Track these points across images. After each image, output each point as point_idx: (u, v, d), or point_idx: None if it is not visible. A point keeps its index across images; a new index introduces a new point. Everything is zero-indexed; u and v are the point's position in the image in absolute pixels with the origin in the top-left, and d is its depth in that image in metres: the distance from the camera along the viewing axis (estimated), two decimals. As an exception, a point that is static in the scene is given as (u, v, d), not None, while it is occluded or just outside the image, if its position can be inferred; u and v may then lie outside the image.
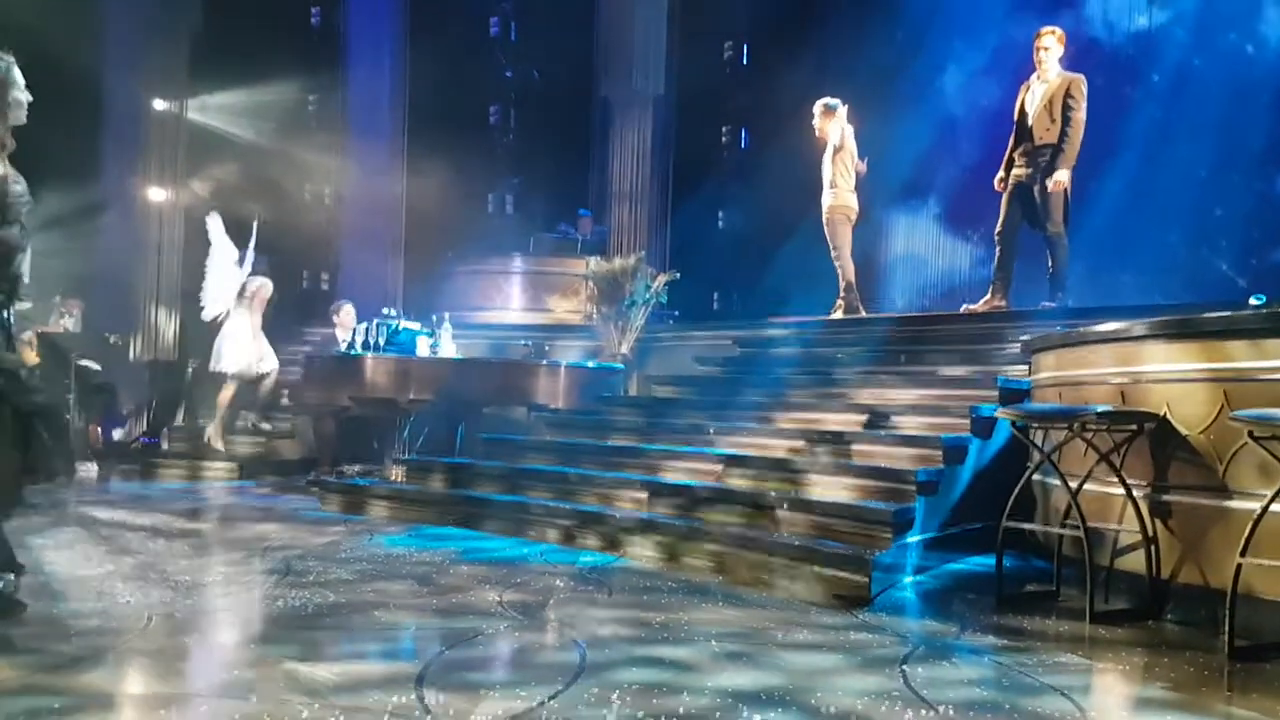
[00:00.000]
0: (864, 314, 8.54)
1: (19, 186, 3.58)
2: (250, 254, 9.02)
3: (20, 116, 3.70)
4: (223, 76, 11.54)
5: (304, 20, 12.77)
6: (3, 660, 3.07)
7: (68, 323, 10.44)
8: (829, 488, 5.23)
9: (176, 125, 11.17)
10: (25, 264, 3.68)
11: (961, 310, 7.64)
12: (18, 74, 3.69)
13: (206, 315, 9.08)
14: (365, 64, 12.02)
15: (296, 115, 12.49)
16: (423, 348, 8.57)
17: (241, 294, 9.00)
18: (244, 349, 9.04)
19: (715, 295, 12.62)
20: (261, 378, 9.22)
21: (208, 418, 10.24)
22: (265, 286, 9.24)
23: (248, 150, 11.97)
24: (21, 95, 3.70)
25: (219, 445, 9.14)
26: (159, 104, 11.03)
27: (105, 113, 11.19)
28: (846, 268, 8.45)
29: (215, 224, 9.13)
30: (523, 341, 10.01)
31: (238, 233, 9.15)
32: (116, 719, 2.72)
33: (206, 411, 10.34)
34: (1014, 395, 5.53)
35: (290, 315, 9.67)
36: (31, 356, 10.00)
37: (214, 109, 11.78)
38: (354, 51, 12.10)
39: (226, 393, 9.10)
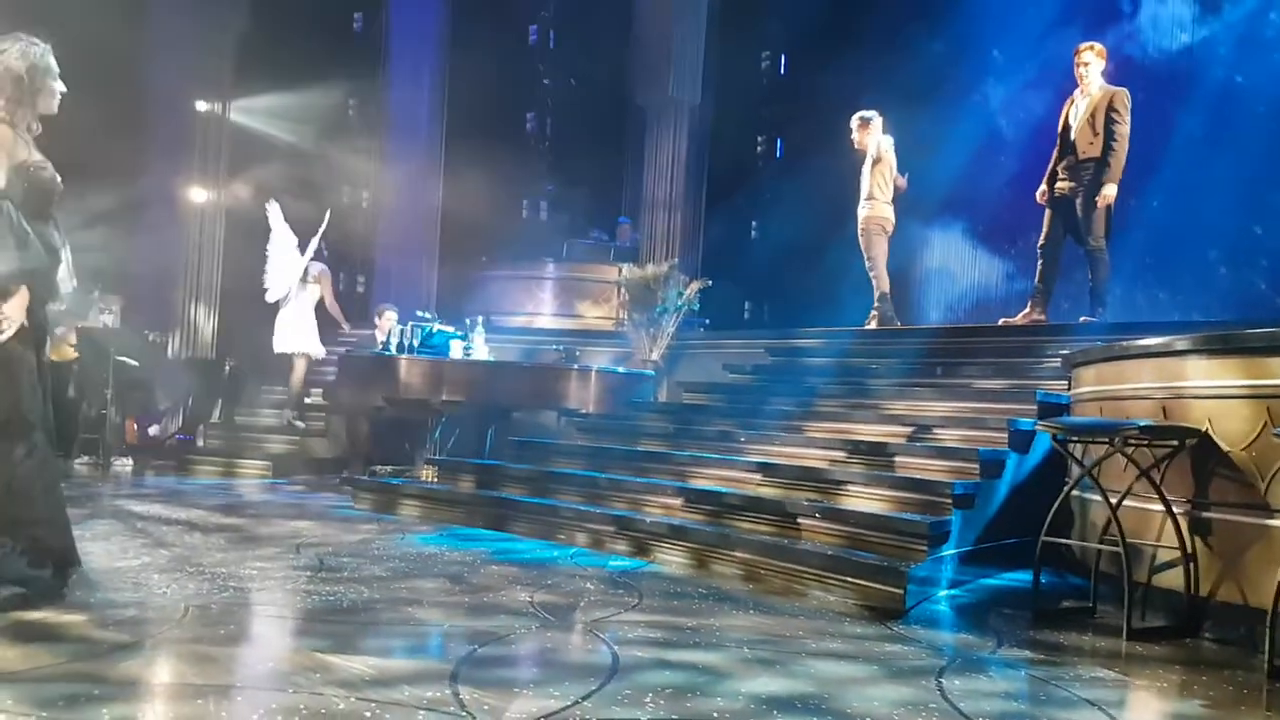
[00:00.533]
0: (899, 325, 8.49)
1: (46, 172, 3.57)
2: (316, 242, 9.37)
3: (52, 106, 3.68)
4: (266, 79, 11.68)
5: (346, 25, 12.91)
6: (42, 648, 3.11)
7: (107, 319, 10.59)
8: (862, 498, 5.20)
9: (220, 126, 11.31)
10: (65, 265, 3.68)
11: (1000, 323, 7.58)
12: (53, 62, 3.67)
13: (270, 298, 9.54)
14: (406, 70, 12.13)
15: (337, 119, 12.62)
16: (456, 350, 8.63)
17: (304, 278, 9.33)
18: (305, 330, 9.47)
19: (747, 304, 12.61)
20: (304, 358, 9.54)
21: (246, 414, 10.38)
22: (326, 273, 9.59)
23: (289, 152, 12.11)
24: (56, 84, 3.68)
25: (300, 424, 9.58)
26: (202, 105, 11.18)
27: (151, 111, 11.35)
28: (881, 279, 8.41)
29: (275, 211, 9.53)
30: (554, 346, 10.04)
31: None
32: (155, 707, 2.75)
33: (243, 410, 10.47)
34: (1053, 409, 5.47)
35: (326, 316, 9.81)
36: (70, 352, 10.17)
37: (256, 111, 11.93)
38: (395, 57, 12.22)
39: (298, 372, 9.55)
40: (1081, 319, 7.11)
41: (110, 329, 10.40)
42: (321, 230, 9.44)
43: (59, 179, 3.61)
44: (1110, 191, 6.95)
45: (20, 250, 3.37)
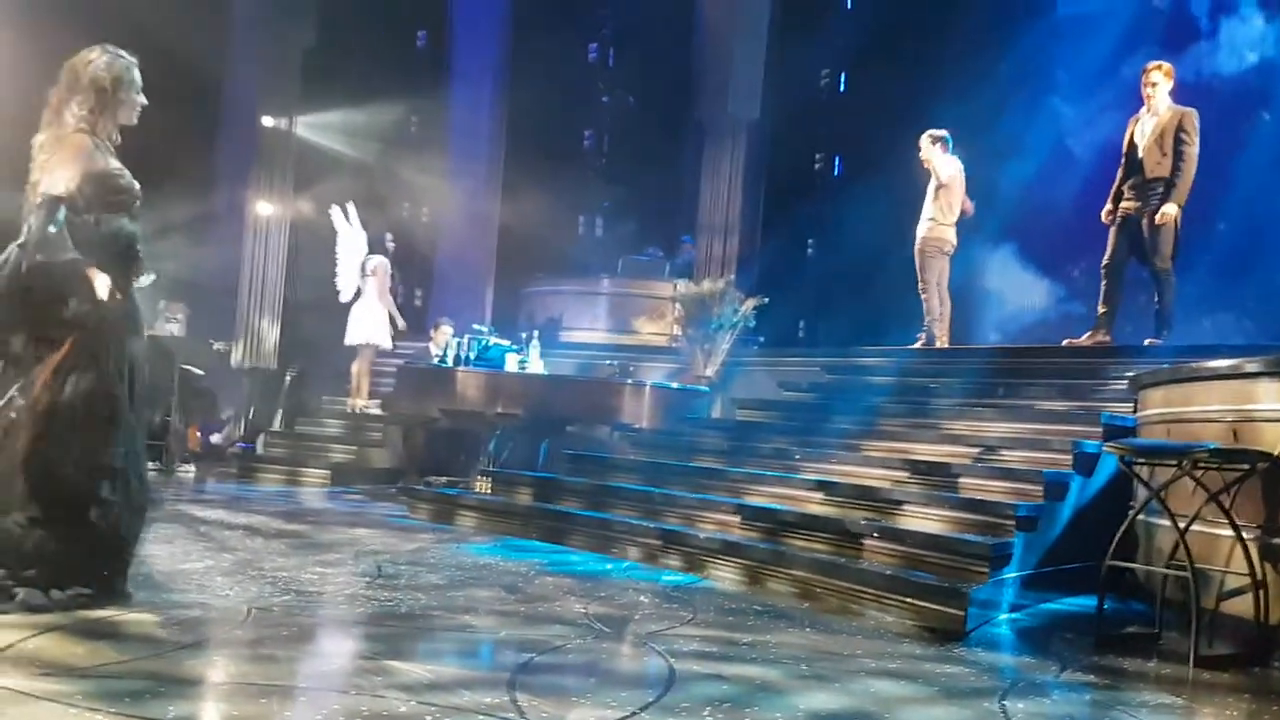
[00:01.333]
0: (952, 345, 8.38)
1: (124, 180, 3.66)
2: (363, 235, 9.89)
3: (132, 118, 3.77)
4: (331, 95, 11.93)
5: (410, 43, 13.14)
6: (109, 646, 3.18)
7: (173, 327, 10.84)
8: (921, 518, 5.14)
9: (286, 141, 11.56)
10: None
11: (1064, 344, 7.45)
12: (137, 75, 3.76)
13: (344, 298, 9.88)
14: (467, 87, 12.31)
15: (399, 135, 12.84)
16: (511, 364, 8.70)
17: (363, 271, 9.60)
18: (366, 322, 9.74)
19: (801, 323, 12.53)
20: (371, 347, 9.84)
21: (307, 423, 10.56)
22: (383, 263, 9.82)
23: (352, 167, 12.34)
24: (138, 97, 3.76)
25: (373, 409, 9.83)
26: (269, 120, 11.44)
27: (221, 126, 11.65)
28: (932, 301, 8.28)
29: (340, 214, 9.80)
30: (608, 361, 10.08)
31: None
32: (218, 705, 2.80)
33: (304, 419, 10.65)
34: (1118, 432, 5.35)
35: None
36: (138, 360, 10.43)
37: (322, 126, 12.18)
38: (457, 74, 12.41)
39: (359, 363, 9.86)
40: (1147, 341, 6.97)
41: (176, 337, 10.64)
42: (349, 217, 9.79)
43: (137, 186, 3.70)
44: (1170, 210, 6.81)
45: (73, 247, 3.44)
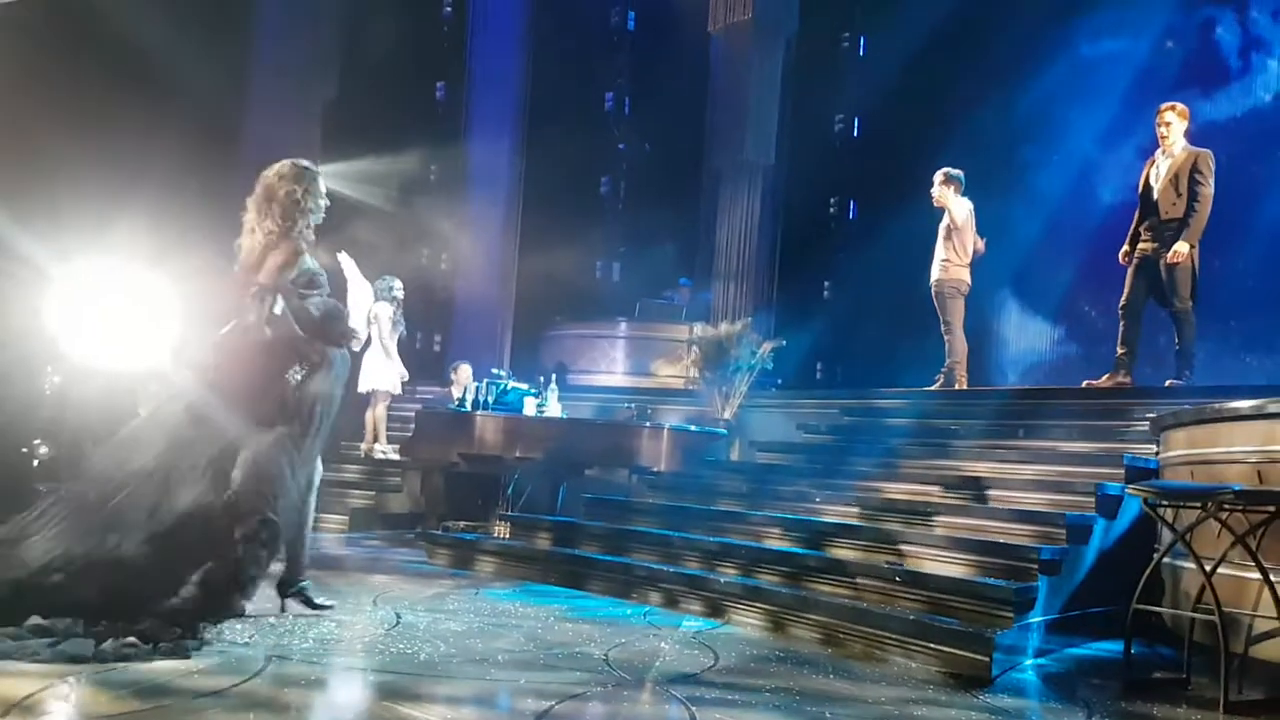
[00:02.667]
0: (969, 387, 8.35)
1: (321, 277, 4.45)
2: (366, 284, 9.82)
3: (320, 218, 4.46)
4: (352, 145, 12.09)
5: (429, 94, 13.34)
6: (129, 694, 3.18)
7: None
8: (943, 562, 5.09)
9: (307, 190, 11.71)
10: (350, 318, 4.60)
11: (1083, 385, 7.42)
12: (321, 182, 4.49)
13: (355, 347, 9.69)
14: (486, 136, 12.46)
15: (419, 183, 12.98)
16: (530, 407, 8.71)
17: (369, 320, 9.72)
18: (372, 369, 9.74)
19: (819, 364, 12.52)
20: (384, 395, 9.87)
21: (324, 469, 10.58)
22: (383, 310, 9.87)
23: (373, 214, 12.47)
24: (323, 201, 4.48)
25: (391, 454, 9.80)
26: (291, 169, 11.59)
27: (244, 175, 11.81)
28: (956, 341, 8.29)
29: (347, 262, 9.82)
30: (626, 404, 10.07)
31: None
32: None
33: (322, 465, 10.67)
34: (1141, 473, 5.31)
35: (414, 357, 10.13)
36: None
37: (342, 175, 12.33)
38: (475, 124, 12.56)
39: (373, 410, 9.89)
40: (1168, 382, 6.93)
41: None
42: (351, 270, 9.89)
43: (324, 274, 4.48)
44: (1183, 249, 6.81)
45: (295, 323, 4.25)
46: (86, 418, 10.70)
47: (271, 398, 4.24)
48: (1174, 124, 7.03)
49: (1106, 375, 7.22)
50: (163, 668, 3.50)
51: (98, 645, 3.56)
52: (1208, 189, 6.89)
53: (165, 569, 3.96)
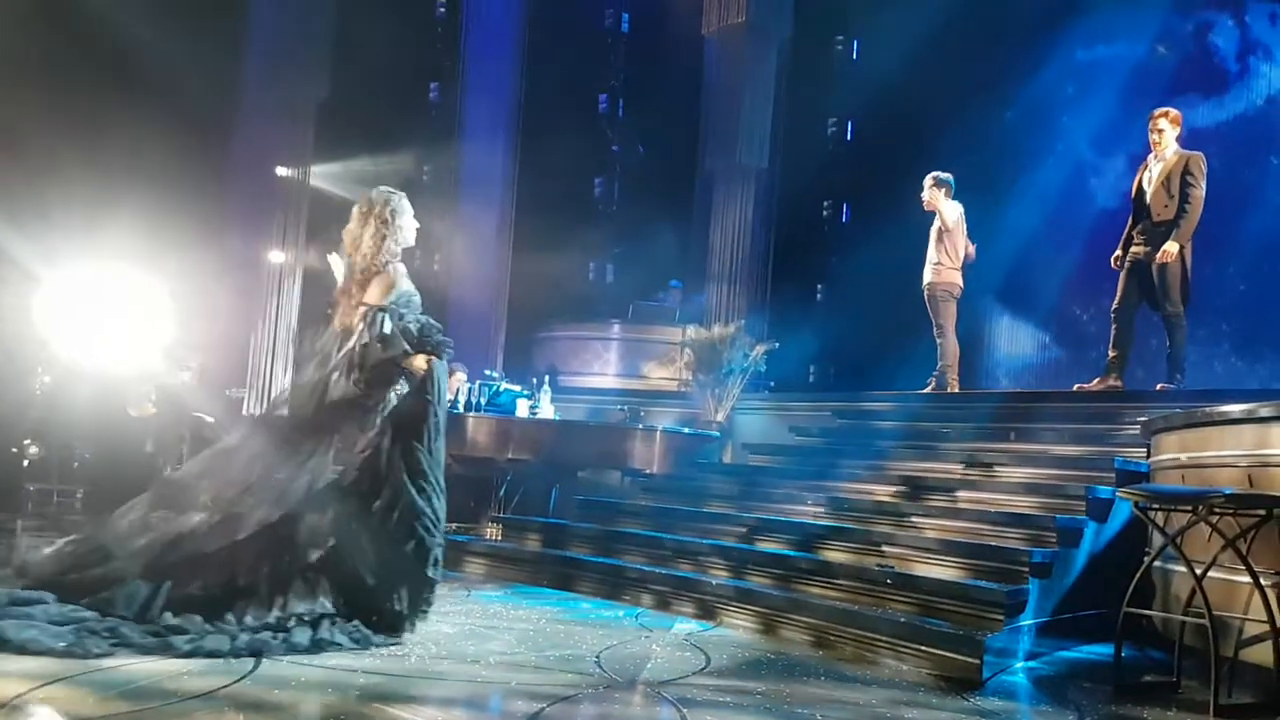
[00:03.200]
0: (961, 390, 8.36)
1: (417, 299, 4.71)
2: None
3: (410, 239, 4.76)
4: (345, 146, 12.08)
5: (423, 95, 13.29)
6: (119, 697, 3.17)
7: (186, 376, 10.87)
8: (935, 565, 5.10)
9: (300, 191, 11.67)
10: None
11: (1074, 389, 7.44)
12: (406, 204, 4.73)
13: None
14: (479, 137, 12.43)
15: (412, 184, 12.94)
16: (522, 409, 8.70)
17: None
18: None
19: (811, 368, 12.53)
20: None
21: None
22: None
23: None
24: (412, 222, 4.74)
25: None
26: (283, 170, 11.57)
27: (236, 177, 11.78)
28: (948, 344, 8.30)
29: (337, 263, 9.72)
30: (619, 406, 10.07)
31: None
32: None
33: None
34: (1132, 477, 5.33)
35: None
36: (149, 408, 10.46)
37: (335, 176, 12.32)
38: (469, 125, 12.53)
39: None
40: (1159, 386, 6.95)
41: (188, 386, 10.67)
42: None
43: (419, 295, 4.76)
44: (1172, 249, 6.83)
45: (392, 339, 4.52)
46: (76, 418, 10.69)
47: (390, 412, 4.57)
48: (1166, 130, 7.06)
49: (1098, 379, 7.24)
50: (148, 669, 3.49)
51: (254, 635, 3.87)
52: (1199, 190, 6.91)
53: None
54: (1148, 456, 5.44)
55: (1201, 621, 3.94)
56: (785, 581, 5.38)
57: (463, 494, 9.06)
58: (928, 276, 8.36)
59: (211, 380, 11.18)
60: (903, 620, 4.56)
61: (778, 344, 9.54)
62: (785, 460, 7.77)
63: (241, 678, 3.48)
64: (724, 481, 7.49)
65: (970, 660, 4.15)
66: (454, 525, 8.35)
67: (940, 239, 8.31)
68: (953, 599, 4.66)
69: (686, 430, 8.82)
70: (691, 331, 10.09)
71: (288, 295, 11.48)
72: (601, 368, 11.51)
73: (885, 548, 5.38)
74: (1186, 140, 7.24)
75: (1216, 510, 3.95)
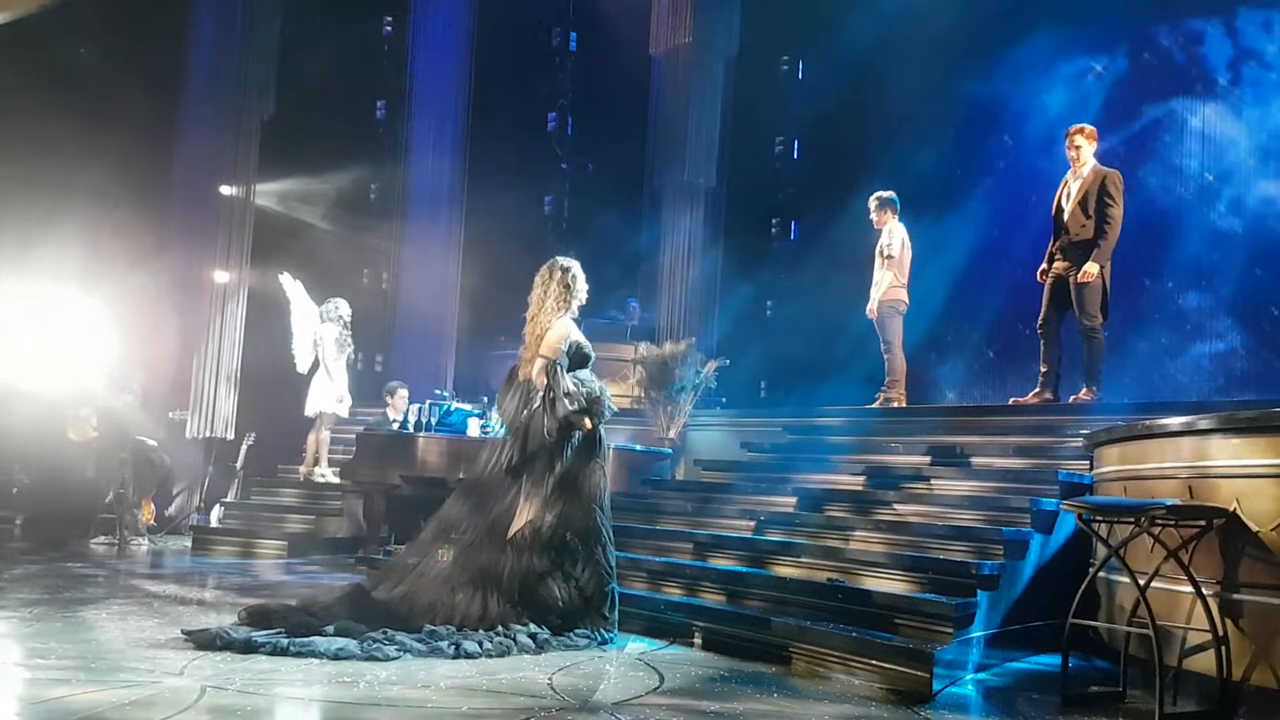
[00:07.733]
0: (908, 405, 8.47)
1: (587, 349, 5.33)
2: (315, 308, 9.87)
3: (584, 299, 5.41)
4: (290, 164, 11.96)
5: (369, 113, 13.22)
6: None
7: (128, 398, 10.65)
8: (884, 579, 5.14)
9: (245, 209, 11.51)
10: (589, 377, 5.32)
11: (1010, 403, 7.57)
12: (580, 268, 5.40)
13: (301, 368, 9.82)
14: (427, 156, 12.38)
15: (358, 202, 12.88)
16: (474, 428, 8.64)
17: (315, 343, 9.59)
18: (321, 393, 9.65)
19: (762, 383, 12.61)
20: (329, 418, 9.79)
21: (263, 493, 10.39)
22: (327, 333, 9.74)
23: (311, 234, 12.34)
24: (587, 285, 5.41)
25: (330, 478, 9.72)
26: (227, 189, 11.41)
27: (178, 196, 11.61)
28: (895, 360, 8.40)
29: (290, 283, 9.75)
30: (572, 425, 10.00)
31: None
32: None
33: (260, 489, 10.47)
34: (1075, 489, 5.43)
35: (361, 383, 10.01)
36: (90, 431, 10.23)
37: (280, 194, 12.18)
38: (416, 143, 12.47)
39: (315, 433, 9.81)
40: (1072, 398, 7.11)
41: (130, 408, 10.45)
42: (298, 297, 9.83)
43: (590, 348, 5.37)
44: (1092, 269, 6.98)
45: (575, 395, 5.16)
46: (14, 442, 10.41)
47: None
48: (1084, 146, 7.20)
49: (1033, 393, 7.37)
50: (95, 699, 3.40)
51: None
52: (1117, 210, 7.06)
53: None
54: (1091, 469, 5.54)
55: (1146, 632, 4.01)
56: (737, 598, 5.39)
57: (413, 515, 8.96)
58: (875, 294, 8.46)
59: (154, 402, 10.96)
60: (854, 635, 4.58)
61: (728, 361, 9.58)
62: (737, 476, 7.79)
63: (186, 708, 3.39)
64: (676, 498, 7.49)
65: (920, 674, 4.18)
66: (403, 547, 8.27)
67: (887, 256, 8.43)
68: (902, 612, 4.70)
69: (638, 448, 8.82)
70: (643, 349, 10.10)
71: (232, 315, 11.31)
72: (553, 385, 11.44)
73: (835, 562, 5.40)
74: (1122, 157, 7.40)
75: (1158, 521, 4.03)
